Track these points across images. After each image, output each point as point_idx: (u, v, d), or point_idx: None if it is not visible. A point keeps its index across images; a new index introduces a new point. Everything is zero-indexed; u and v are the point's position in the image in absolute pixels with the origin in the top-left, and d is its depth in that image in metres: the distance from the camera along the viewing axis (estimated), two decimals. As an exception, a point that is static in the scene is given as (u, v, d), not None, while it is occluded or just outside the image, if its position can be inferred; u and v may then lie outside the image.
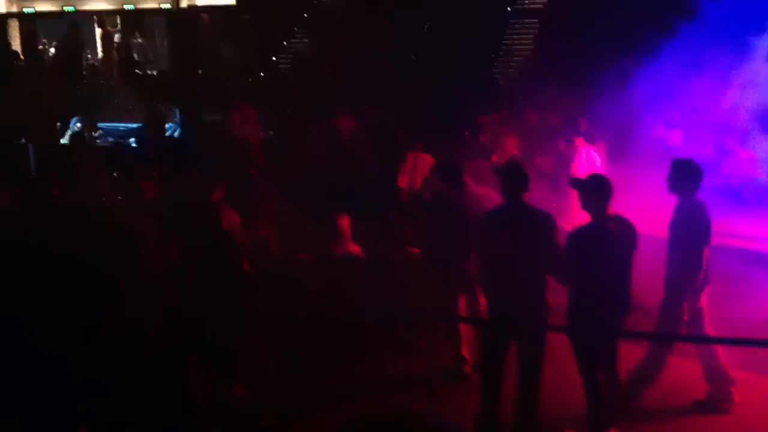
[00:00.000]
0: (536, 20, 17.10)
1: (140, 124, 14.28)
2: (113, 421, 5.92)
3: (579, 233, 5.94)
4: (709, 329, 6.52)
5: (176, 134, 14.54)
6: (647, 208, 6.81)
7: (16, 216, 7.07)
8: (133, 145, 13.51)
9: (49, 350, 5.55)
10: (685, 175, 6.44)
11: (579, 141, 9.07)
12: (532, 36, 17.01)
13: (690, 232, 6.31)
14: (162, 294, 6.04)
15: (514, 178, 6.09)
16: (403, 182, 9.45)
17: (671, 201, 6.54)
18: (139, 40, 21.33)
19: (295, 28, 19.14)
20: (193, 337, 6.09)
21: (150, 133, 12.41)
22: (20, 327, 5.55)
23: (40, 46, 20.80)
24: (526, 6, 17.54)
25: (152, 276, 6.11)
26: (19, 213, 7.08)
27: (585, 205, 5.99)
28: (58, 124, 14.43)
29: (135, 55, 20.68)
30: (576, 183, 6.10)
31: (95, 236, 5.95)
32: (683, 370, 6.74)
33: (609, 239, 5.88)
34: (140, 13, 20.60)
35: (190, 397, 6.17)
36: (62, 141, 13.77)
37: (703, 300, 6.50)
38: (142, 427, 5.99)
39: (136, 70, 19.56)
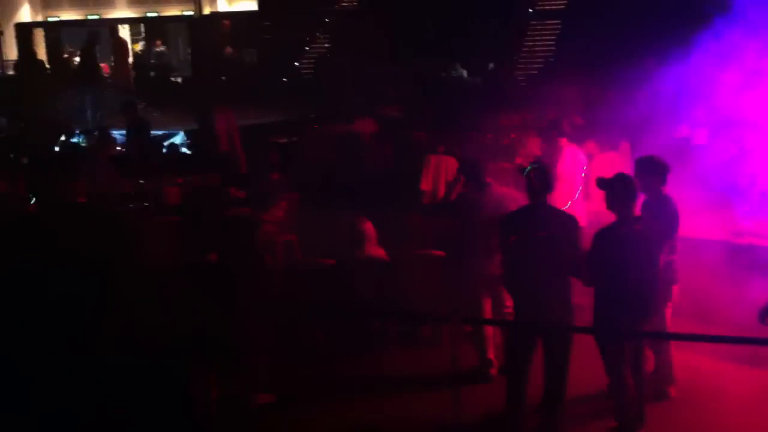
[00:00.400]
0: (558, 21, 17.10)
1: (167, 131, 14.44)
2: (115, 420, 5.97)
3: (605, 233, 5.92)
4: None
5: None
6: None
7: (28, 216, 7.14)
8: (164, 150, 13.69)
9: (50, 350, 5.60)
10: (648, 173, 6.40)
11: (563, 141, 9.03)
12: (553, 37, 17.01)
13: (652, 228, 6.22)
14: (167, 295, 6.08)
15: (538, 179, 6.09)
16: (426, 185, 9.43)
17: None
18: (162, 48, 21.50)
19: (317, 33, 19.24)
20: (197, 338, 6.14)
21: (132, 138, 12.55)
22: (22, 326, 5.60)
23: (66, 55, 20.99)
24: (547, 7, 17.55)
25: (159, 277, 6.15)
26: (32, 216, 7.15)
27: (611, 206, 5.97)
28: (79, 131, 14.57)
29: (156, 62, 20.85)
30: (602, 183, 6.08)
31: (100, 236, 6.00)
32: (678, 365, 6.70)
33: (635, 239, 5.85)
34: (163, 21, 20.77)
35: (191, 398, 6.22)
36: (83, 145, 13.89)
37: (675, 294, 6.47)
38: (143, 426, 6.04)
39: (157, 77, 19.72)
